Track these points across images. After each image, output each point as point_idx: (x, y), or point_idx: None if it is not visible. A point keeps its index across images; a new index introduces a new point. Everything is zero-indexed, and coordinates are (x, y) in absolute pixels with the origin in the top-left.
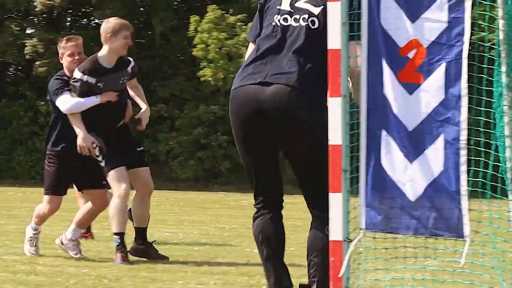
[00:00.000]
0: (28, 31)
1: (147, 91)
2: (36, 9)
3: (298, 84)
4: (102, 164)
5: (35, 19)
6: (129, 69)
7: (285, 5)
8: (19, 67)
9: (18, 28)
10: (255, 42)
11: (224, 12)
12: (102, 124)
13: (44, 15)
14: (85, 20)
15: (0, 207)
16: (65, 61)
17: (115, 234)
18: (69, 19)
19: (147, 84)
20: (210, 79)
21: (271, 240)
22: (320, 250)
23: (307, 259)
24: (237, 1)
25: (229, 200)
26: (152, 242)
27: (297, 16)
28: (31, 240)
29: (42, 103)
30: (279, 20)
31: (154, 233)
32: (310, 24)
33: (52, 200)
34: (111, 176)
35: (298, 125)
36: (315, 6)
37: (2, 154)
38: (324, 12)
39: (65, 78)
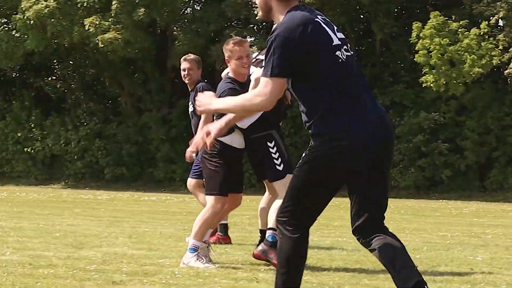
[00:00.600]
0: (248, 39)
1: None
2: (256, 18)
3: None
4: (280, 167)
5: (255, 28)
6: None
7: (336, 40)
8: None
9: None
10: (284, 77)
11: (446, 18)
12: (271, 121)
13: (264, 23)
14: None
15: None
16: (232, 64)
17: (270, 229)
18: None
19: None
20: (432, 85)
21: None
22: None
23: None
24: (459, 7)
25: (450, 208)
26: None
27: (346, 47)
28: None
29: None
30: (342, 53)
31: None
32: (353, 54)
33: (219, 201)
34: (287, 180)
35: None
36: (342, 33)
37: None
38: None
39: (235, 83)
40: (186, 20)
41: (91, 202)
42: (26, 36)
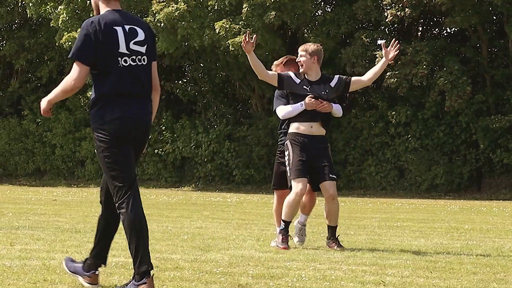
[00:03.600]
0: (379, 41)
1: (500, 99)
2: (387, 20)
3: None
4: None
5: (386, 30)
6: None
7: (123, 48)
8: None
9: (368, 39)
10: (88, 64)
11: None
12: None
13: (395, 25)
14: (436, 29)
15: (350, 217)
16: None
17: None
18: (420, 28)
19: (500, 94)
20: None
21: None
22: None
23: None
24: None
25: None
26: (337, 236)
27: (135, 57)
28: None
29: (393, 113)
30: (125, 61)
31: None
32: (142, 62)
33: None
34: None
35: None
36: (141, 46)
37: (352, 165)
38: (148, 50)
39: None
40: (316, 23)
41: (220, 205)
42: (156, 39)
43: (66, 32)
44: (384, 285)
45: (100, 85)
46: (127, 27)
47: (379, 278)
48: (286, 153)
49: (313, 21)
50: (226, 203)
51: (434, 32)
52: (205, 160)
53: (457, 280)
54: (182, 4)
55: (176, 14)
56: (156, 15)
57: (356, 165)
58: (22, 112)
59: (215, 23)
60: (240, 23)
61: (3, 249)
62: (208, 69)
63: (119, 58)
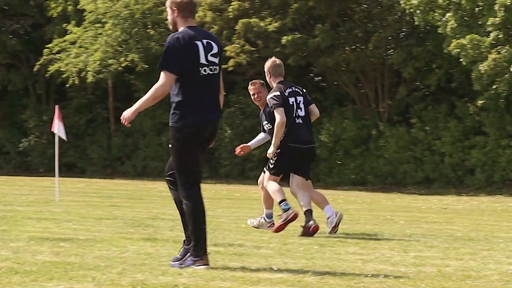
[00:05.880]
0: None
1: None
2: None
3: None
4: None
5: None
6: None
7: (203, 59)
8: None
9: None
10: (174, 73)
11: None
12: None
13: None
14: None
15: None
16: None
17: None
18: None
19: None
20: None
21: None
22: None
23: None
24: None
25: None
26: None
27: (212, 67)
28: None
29: None
30: (205, 70)
31: None
32: (216, 72)
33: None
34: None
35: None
36: (215, 57)
37: None
38: (219, 60)
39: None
40: None
41: None
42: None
43: (454, 39)
44: None
45: (183, 91)
46: (204, 41)
47: None
48: None
49: None
50: None
51: None
52: None
53: None
54: None
55: None
56: None
57: None
58: (410, 120)
59: None
60: None
61: (397, 256)
62: None
63: (200, 68)
